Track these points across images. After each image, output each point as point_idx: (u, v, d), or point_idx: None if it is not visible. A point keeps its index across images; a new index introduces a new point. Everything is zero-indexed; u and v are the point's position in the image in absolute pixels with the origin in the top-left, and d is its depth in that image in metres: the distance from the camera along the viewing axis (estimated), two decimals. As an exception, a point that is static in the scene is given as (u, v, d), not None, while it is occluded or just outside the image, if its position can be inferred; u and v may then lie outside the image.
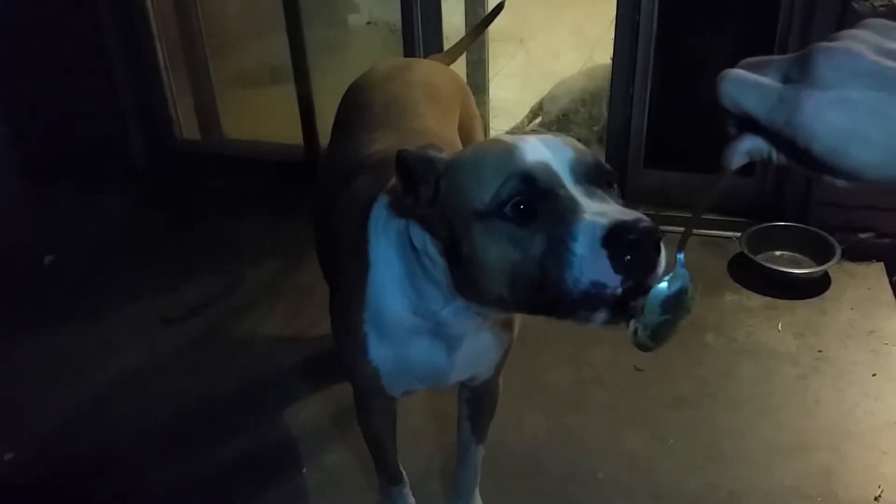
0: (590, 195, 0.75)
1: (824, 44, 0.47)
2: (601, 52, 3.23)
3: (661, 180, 2.41)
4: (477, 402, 1.30)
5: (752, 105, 0.50)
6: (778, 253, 2.25)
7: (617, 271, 0.69)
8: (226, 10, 3.02)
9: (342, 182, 1.15)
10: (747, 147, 0.53)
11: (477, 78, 2.84)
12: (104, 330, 2.12)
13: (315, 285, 2.10)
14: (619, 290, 0.70)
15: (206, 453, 1.71)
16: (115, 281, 2.35)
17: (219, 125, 2.98)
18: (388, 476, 1.40)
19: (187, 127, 2.98)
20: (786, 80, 0.49)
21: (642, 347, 0.72)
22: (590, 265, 0.70)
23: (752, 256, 2.17)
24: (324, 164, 1.42)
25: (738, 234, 2.26)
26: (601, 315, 0.72)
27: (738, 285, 2.17)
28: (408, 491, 1.45)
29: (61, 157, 2.87)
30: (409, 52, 2.47)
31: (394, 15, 2.51)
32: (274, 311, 2.16)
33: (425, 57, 2.13)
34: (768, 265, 2.16)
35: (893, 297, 2.09)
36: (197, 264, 2.40)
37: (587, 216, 0.72)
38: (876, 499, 1.52)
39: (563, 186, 0.76)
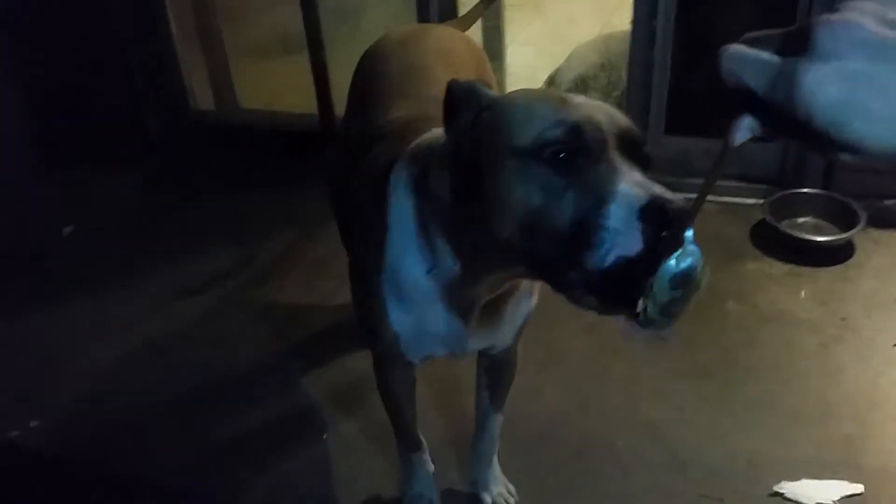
0: (630, 168, 0.75)
1: (825, 16, 0.46)
2: (619, 17, 3.16)
3: (682, 147, 2.37)
4: (496, 370, 1.30)
5: (753, 80, 0.49)
6: (801, 220, 2.21)
7: (645, 245, 0.68)
8: (238, -22, 2.99)
9: (360, 150, 1.14)
10: (750, 123, 0.52)
11: (493, 44, 2.80)
12: (121, 301, 2.14)
13: (330, 255, 2.11)
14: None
15: (226, 423, 1.72)
16: (132, 252, 2.36)
17: (233, 95, 2.96)
18: (406, 442, 1.40)
19: (202, 97, 2.98)
20: (787, 54, 0.48)
21: (653, 325, 0.70)
22: (621, 235, 0.69)
23: (775, 223, 2.14)
24: (340, 132, 1.41)
25: (761, 201, 2.22)
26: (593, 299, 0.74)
27: (760, 252, 2.14)
28: (427, 457, 1.46)
29: (76, 129, 2.87)
30: (424, 18, 2.43)
31: (408, -19, 2.47)
32: (290, 282, 2.17)
33: (440, 23, 2.09)
34: (791, 232, 2.13)
35: (919, 265, 2.06)
36: (213, 235, 2.41)
37: (626, 185, 0.71)
38: (899, 467, 1.51)
39: (607, 150, 0.75)
